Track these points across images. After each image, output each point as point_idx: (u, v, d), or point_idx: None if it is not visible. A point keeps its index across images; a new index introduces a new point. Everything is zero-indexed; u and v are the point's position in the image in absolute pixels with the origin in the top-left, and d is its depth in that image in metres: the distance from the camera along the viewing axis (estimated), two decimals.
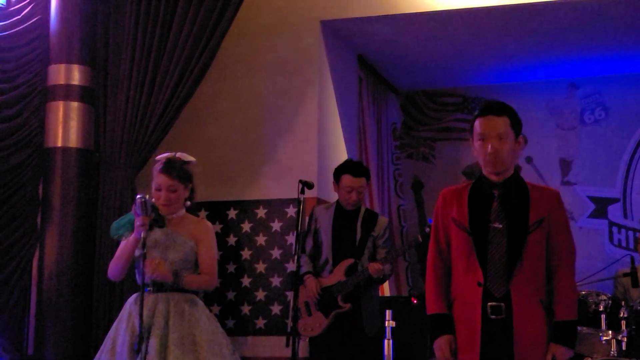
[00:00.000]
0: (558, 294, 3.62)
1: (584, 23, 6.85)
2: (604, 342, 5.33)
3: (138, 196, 4.27)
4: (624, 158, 8.15)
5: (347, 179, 5.43)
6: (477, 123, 3.66)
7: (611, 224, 8.07)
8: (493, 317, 3.55)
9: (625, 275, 5.88)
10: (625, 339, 5.31)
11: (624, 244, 7.97)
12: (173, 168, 4.48)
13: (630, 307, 5.53)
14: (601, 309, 5.38)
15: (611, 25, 6.91)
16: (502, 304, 3.55)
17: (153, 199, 4.37)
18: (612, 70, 8.07)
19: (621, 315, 5.36)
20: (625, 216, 8.05)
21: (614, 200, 8.11)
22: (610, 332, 5.34)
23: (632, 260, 5.87)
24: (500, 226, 3.59)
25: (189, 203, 4.54)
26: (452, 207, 3.73)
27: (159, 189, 4.43)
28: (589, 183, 8.17)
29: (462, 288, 3.64)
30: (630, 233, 7.89)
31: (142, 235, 4.18)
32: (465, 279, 3.63)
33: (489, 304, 3.55)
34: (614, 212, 8.08)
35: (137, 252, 4.38)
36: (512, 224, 3.60)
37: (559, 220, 3.69)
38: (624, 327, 5.32)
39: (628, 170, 8.13)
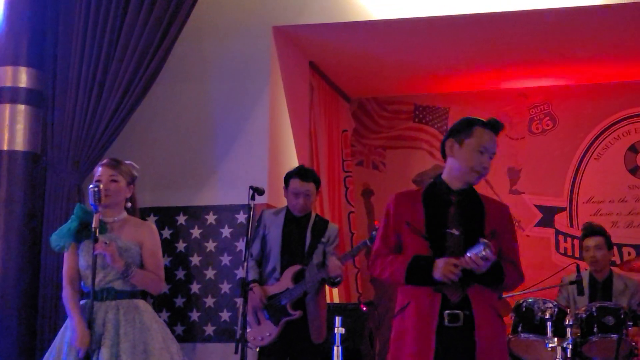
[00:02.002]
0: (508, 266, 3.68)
1: (533, 34, 6.94)
2: (549, 349, 5.39)
3: (90, 185, 4.26)
4: (570, 168, 8.27)
5: (295, 183, 5.43)
6: (481, 133, 3.68)
7: (557, 232, 8.18)
8: (450, 325, 3.53)
9: (571, 283, 5.95)
10: (570, 346, 5.38)
11: (569, 252, 8.08)
12: (116, 162, 4.50)
13: (576, 314, 5.60)
14: (547, 316, 5.45)
15: (560, 37, 7.01)
16: (460, 311, 3.54)
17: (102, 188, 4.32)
18: (560, 80, 8.19)
19: (567, 322, 5.43)
20: (571, 225, 8.16)
21: (560, 209, 8.22)
22: (556, 339, 5.41)
23: (578, 269, 5.95)
24: (457, 233, 3.60)
25: (129, 204, 4.51)
26: (406, 210, 3.70)
27: (98, 181, 4.39)
28: (537, 192, 8.28)
29: (416, 294, 3.61)
30: (576, 242, 8.00)
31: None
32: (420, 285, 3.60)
33: (447, 311, 3.54)
34: (561, 220, 8.19)
35: (84, 263, 4.35)
36: (468, 231, 3.61)
37: (510, 235, 3.76)
38: (569, 334, 5.38)
39: (574, 180, 8.25)
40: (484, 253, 3.46)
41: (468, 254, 3.50)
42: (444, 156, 3.79)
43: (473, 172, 3.66)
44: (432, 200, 3.70)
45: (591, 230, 6.27)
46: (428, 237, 3.62)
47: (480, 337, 3.54)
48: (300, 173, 5.51)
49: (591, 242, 6.18)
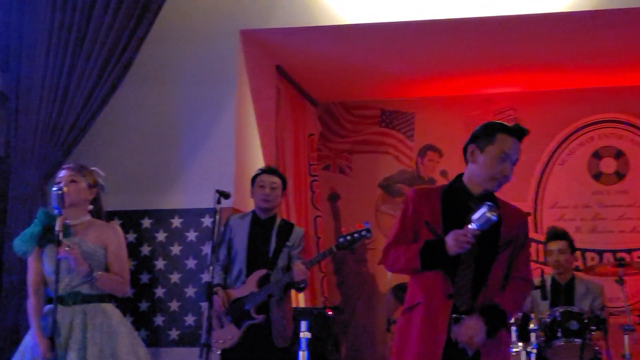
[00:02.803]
0: (509, 290, 3.59)
1: (499, 40, 6.99)
2: (514, 353, 5.42)
3: (54, 188, 4.22)
4: (535, 173, 8.34)
5: (261, 177, 5.49)
6: (504, 140, 3.58)
7: None
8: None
9: (535, 288, 5.99)
10: (534, 351, 5.42)
11: (534, 257, 8.13)
12: (78, 165, 4.50)
13: (540, 319, 5.64)
14: (512, 321, 5.48)
15: (525, 44, 7.06)
16: (465, 316, 3.48)
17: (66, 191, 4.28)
18: (526, 86, 8.25)
19: (531, 327, 5.46)
20: (536, 230, 8.22)
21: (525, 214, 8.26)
22: (520, 344, 5.44)
23: (542, 273, 6.00)
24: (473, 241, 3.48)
25: (92, 207, 4.47)
26: (425, 209, 3.61)
27: (59, 183, 4.35)
28: (502, 197, 8.32)
29: (428, 297, 3.55)
30: (541, 246, 8.06)
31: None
32: (432, 288, 3.55)
33: (454, 315, 3.49)
34: None
35: (48, 268, 4.31)
36: (483, 240, 3.51)
37: (524, 243, 3.68)
38: (533, 339, 5.42)
39: (539, 185, 8.32)
40: (488, 215, 3.38)
41: (473, 221, 3.41)
42: (466, 161, 3.67)
43: (493, 179, 3.58)
44: (451, 203, 3.61)
45: (555, 234, 6.32)
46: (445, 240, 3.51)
47: (484, 349, 3.49)
48: (266, 169, 5.62)
49: (555, 246, 6.24)
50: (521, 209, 3.83)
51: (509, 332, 3.68)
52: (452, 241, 3.45)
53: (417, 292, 3.61)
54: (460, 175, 3.71)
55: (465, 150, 3.67)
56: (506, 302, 3.56)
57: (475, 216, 3.42)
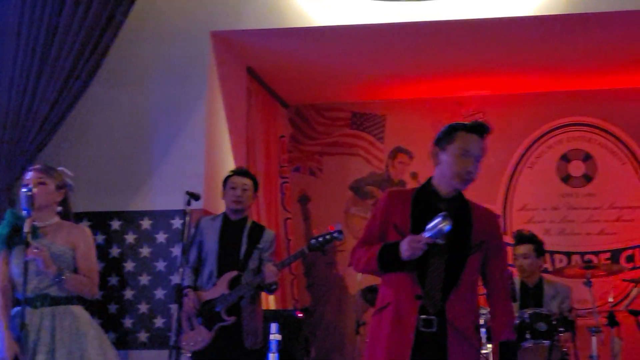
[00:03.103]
0: (501, 315, 3.66)
1: (468, 43, 7.03)
2: (484, 355, 5.45)
3: (23, 189, 4.19)
4: (504, 176, 8.39)
5: (233, 178, 5.50)
6: (461, 136, 3.62)
7: None
8: (424, 330, 3.51)
9: None
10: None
11: None
12: (46, 166, 4.48)
13: None
14: (482, 322, 5.50)
15: (494, 47, 7.11)
16: (434, 317, 3.51)
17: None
18: (495, 89, 8.31)
19: None
20: (505, 232, 8.27)
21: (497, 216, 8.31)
22: (489, 345, 5.47)
23: (511, 276, 6.03)
24: (443, 242, 3.50)
25: (60, 208, 4.44)
26: (396, 212, 3.65)
27: (27, 185, 4.32)
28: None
29: (398, 297, 3.57)
30: (510, 249, 8.11)
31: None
32: (402, 289, 3.57)
33: (422, 316, 3.51)
34: None
35: (16, 270, 4.27)
36: (454, 242, 3.55)
37: (498, 245, 3.73)
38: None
39: (508, 188, 8.37)
40: (440, 225, 3.42)
41: (427, 229, 3.45)
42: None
43: (458, 177, 3.61)
44: (421, 206, 3.64)
45: (519, 238, 6.36)
46: None
47: (452, 351, 3.51)
48: (238, 170, 5.65)
49: (519, 250, 6.28)
50: (492, 211, 3.86)
51: (479, 333, 3.70)
52: (406, 245, 3.48)
53: (387, 293, 3.64)
54: (432, 178, 3.74)
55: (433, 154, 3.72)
56: (504, 332, 3.66)
57: (429, 225, 3.46)
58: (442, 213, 3.45)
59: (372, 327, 3.69)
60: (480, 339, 3.67)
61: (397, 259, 3.53)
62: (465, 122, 3.72)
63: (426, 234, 3.46)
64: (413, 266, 3.54)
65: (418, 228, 3.54)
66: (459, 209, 3.66)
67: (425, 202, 3.65)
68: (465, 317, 3.58)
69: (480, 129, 3.66)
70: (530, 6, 6.44)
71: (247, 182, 5.50)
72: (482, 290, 3.76)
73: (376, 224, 3.70)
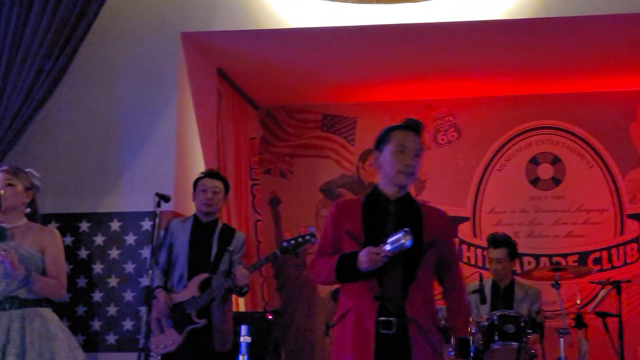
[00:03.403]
0: (458, 312, 3.75)
1: (439, 46, 7.06)
2: (452, 356, 5.47)
3: None
4: (474, 179, 8.44)
5: (203, 181, 5.47)
6: (396, 134, 3.72)
7: (461, 242, 8.33)
8: (384, 332, 3.53)
9: (474, 292, 6.06)
10: (472, 354, 5.48)
11: (473, 261, 8.24)
12: (14, 168, 4.44)
13: (478, 322, 5.71)
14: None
15: (466, 50, 7.15)
16: (393, 319, 3.54)
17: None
18: (465, 93, 8.35)
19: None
20: (475, 234, 8.33)
21: (464, 219, 8.38)
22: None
23: (481, 278, 6.06)
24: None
25: (28, 210, 4.42)
26: (347, 220, 3.71)
27: None
28: (441, 202, 8.37)
29: (357, 302, 3.62)
30: (479, 251, 8.17)
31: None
32: (360, 293, 3.61)
33: (380, 318, 3.55)
34: (464, 230, 8.35)
35: None
36: None
37: (450, 242, 3.80)
38: (471, 342, 5.47)
39: (478, 191, 8.42)
40: (402, 241, 3.47)
41: (388, 243, 3.50)
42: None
43: (399, 173, 3.68)
44: (371, 210, 3.71)
45: (494, 241, 6.38)
46: (365, 245, 3.59)
47: (415, 347, 3.55)
48: (209, 173, 5.60)
49: (494, 254, 6.31)
50: (443, 210, 3.92)
51: (441, 330, 3.75)
52: (365, 258, 3.54)
53: (347, 299, 3.70)
54: (378, 184, 3.82)
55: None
56: (462, 328, 3.78)
57: (391, 239, 3.51)
58: (405, 229, 3.50)
59: (336, 335, 3.72)
60: (439, 331, 3.73)
61: (355, 270, 3.59)
62: (399, 123, 3.82)
63: (387, 247, 3.51)
64: (371, 273, 3.59)
65: (370, 232, 3.63)
66: (408, 209, 3.72)
67: (375, 206, 3.72)
68: (425, 310, 3.63)
69: (414, 126, 3.77)
70: (499, 10, 6.48)
71: (218, 184, 5.48)
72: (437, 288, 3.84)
73: (329, 235, 3.77)
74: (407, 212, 3.69)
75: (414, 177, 3.72)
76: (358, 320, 3.59)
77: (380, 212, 3.68)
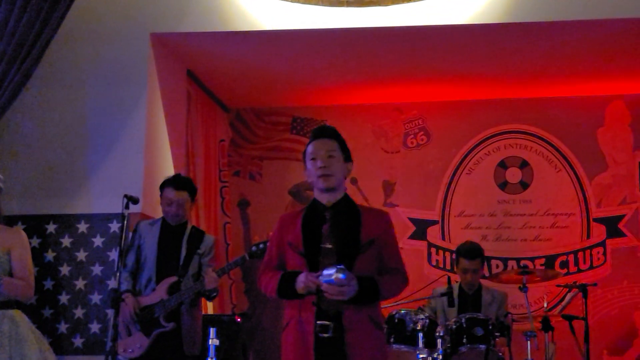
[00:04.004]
0: (387, 277, 3.82)
1: (408, 50, 7.08)
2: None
3: None
4: (443, 182, 8.48)
5: (168, 192, 5.42)
6: (308, 148, 3.90)
7: (430, 245, 8.36)
8: (322, 335, 3.63)
9: (442, 295, 6.09)
10: (440, 357, 5.49)
11: (441, 264, 8.27)
12: None
13: (446, 326, 5.73)
14: (419, 327, 5.54)
15: (435, 54, 7.17)
16: (330, 323, 3.65)
17: None
18: (435, 96, 8.39)
19: (437, 334, 5.54)
20: (443, 238, 8.36)
21: (433, 223, 8.41)
22: (426, 350, 5.50)
23: (449, 281, 6.09)
24: (330, 246, 3.72)
25: None
26: (289, 231, 3.87)
27: None
28: (410, 205, 8.44)
29: (298, 309, 3.75)
30: (448, 254, 8.21)
31: None
32: (302, 302, 3.74)
33: (317, 322, 3.64)
34: (433, 233, 8.38)
35: None
36: (342, 244, 3.74)
37: (389, 240, 3.91)
38: (439, 345, 5.49)
39: (446, 194, 8.46)
40: (334, 277, 3.60)
41: (322, 278, 3.64)
42: None
43: (318, 179, 3.85)
44: (309, 219, 3.86)
45: (471, 253, 6.36)
46: (305, 254, 3.76)
47: (350, 348, 3.64)
48: (175, 182, 5.49)
49: (470, 265, 6.32)
50: (382, 210, 4.11)
51: (382, 330, 3.82)
52: (302, 284, 3.71)
53: (290, 309, 3.83)
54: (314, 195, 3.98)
55: None
56: (380, 281, 3.79)
57: (326, 272, 3.64)
58: (339, 265, 3.63)
59: (282, 344, 3.85)
60: (380, 332, 3.81)
61: (294, 290, 3.75)
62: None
63: (322, 279, 3.64)
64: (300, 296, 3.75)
65: (309, 240, 3.78)
66: (345, 211, 3.85)
67: (312, 214, 3.87)
68: (362, 313, 3.71)
69: (320, 133, 3.96)
70: (467, 15, 6.51)
71: (183, 195, 5.43)
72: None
73: (274, 248, 3.95)
74: (344, 215, 3.82)
75: (331, 176, 3.85)
76: (299, 325, 3.72)
77: (316, 219, 3.83)
